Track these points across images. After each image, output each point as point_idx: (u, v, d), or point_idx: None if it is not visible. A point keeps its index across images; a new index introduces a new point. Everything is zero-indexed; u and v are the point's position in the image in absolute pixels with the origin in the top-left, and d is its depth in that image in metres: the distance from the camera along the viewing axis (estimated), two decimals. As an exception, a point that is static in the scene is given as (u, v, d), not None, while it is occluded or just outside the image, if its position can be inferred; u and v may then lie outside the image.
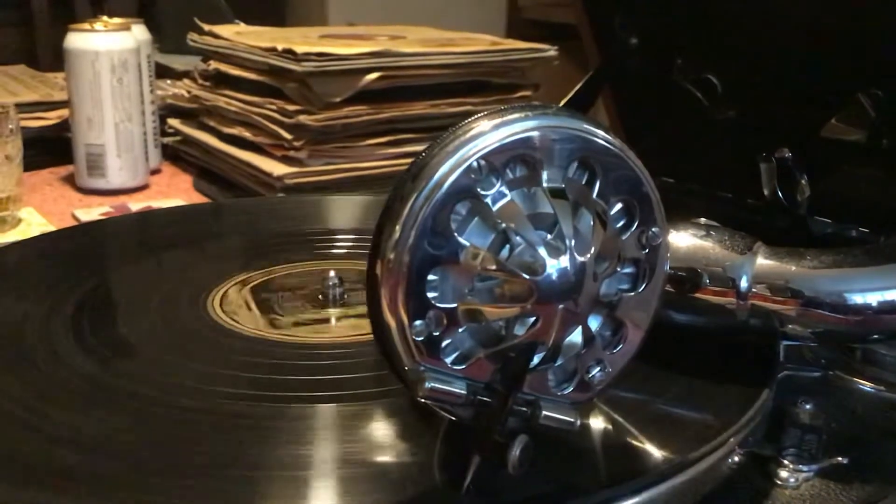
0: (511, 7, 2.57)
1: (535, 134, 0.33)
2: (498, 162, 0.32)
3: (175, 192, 0.94)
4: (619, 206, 0.35)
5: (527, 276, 0.32)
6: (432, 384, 0.32)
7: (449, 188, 0.32)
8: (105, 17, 0.94)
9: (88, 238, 0.66)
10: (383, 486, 0.35)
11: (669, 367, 0.43)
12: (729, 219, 0.46)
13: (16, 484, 0.34)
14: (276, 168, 0.83)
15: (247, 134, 0.89)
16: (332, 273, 0.53)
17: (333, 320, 0.51)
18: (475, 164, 0.32)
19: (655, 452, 0.37)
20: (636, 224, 0.35)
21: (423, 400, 0.33)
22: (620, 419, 0.39)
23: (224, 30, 0.99)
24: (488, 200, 0.33)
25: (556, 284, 0.33)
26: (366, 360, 0.45)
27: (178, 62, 1.24)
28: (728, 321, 0.42)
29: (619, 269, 0.35)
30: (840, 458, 0.40)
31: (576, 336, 0.35)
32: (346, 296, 0.53)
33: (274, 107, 0.85)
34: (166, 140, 1.03)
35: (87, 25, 0.89)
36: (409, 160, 0.91)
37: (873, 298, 0.41)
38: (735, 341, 0.45)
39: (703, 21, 0.63)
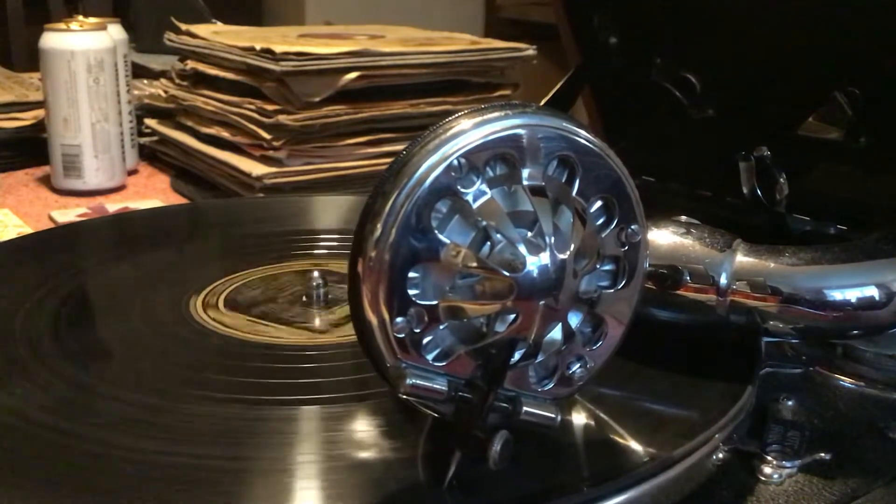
0: (489, 6, 2.57)
1: (515, 132, 0.33)
2: (478, 160, 0.33)
3: (152, 192, 0.93)
4: (598, 203, 0.35)
5: (507, 274, 0.32)
6: (414, 381, 0.32)
7: (430, 186, 0.32)
8: (81, 17, 0.93)
9: (66, 240, 0.66)
10: (367, 482, 0.35)
11: (653, 365, 0.43)
12: (708, 217, 0.46)
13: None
14: (254, 168, 0.83)
15: (225, 134, 0.89)
16: (315, 273, 0.53)
17: (317, 320, 0.50)
18: (456, 162, 0.32)
19: (640, 450, 0.37)
20: (616, 221, 0.35)
21: (404, 396, 0.33)
22: (605, 417, 0.39)
23: (201, 29, 0.99)
24: (469, 198, 0.33)
25: (536, 281, 0.33)
26: (349, 359, 0.45)
27: (154, 62, 1.23)
28: (710, 318, 0.43)
29: (598, 267, 0.35)
30: (822, 454, 0.40)
31: (556, 333, 0.35)
32: (329, 296, 0.53)
33: (252, 106, 0.85)
34: (143, 140, 1.03)
35: (62, 25, 0.88)
36: (388, 160, 0.91)
37: (852, 295, 0.41)
38: (717, 339, 0.45)
39: (682, 20, 0.63)
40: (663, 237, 0.44)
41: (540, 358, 0.35)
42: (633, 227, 0.36)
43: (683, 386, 0.42)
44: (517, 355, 0.34)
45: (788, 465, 0.40)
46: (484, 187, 0.33)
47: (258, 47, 0.83)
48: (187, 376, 0.44)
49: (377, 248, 0.32)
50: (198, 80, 0.96)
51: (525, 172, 0.33)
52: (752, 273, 0.42)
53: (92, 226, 0.73)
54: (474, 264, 0.32)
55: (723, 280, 0.42)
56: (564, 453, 0.37)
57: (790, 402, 0.44)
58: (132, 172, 0.99)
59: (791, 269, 0.42)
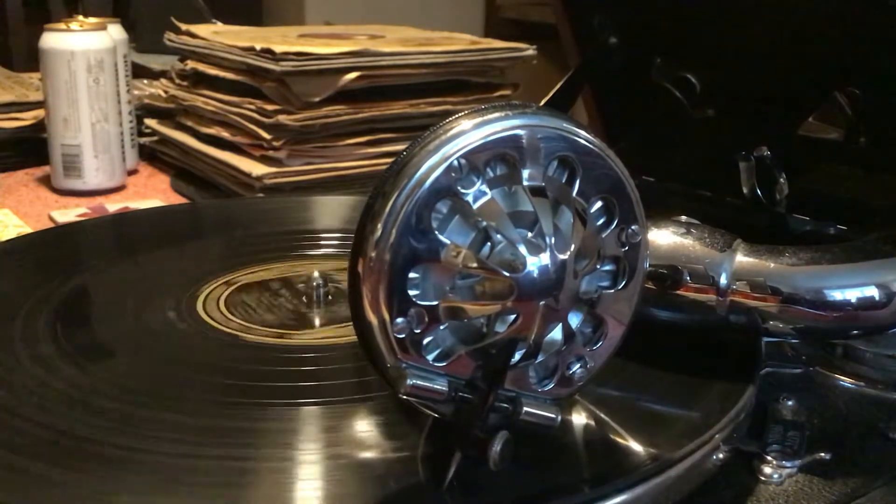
0: (489, 6, 2.57)
1: (515, 133, 0.33)
2: (478, 160, 0.33)
3: (152, 192, 0.93)
4: (598, 204, 0.35)
5: (507, 274, 0.32)
6: (414, 381, 0.32)
7: (430, 186, 0.32)
8: (81, 17, 0.93)
9: (66, 240, 0.66)
10: (367, 483, 0.35)
11: (654, 365, 0.43)
12: (709, 217, 0.46)
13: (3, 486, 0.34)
14: (254, 168, 0.83)
15: (225, 134, 0.89)
16: (315, 273, 0.53)
17: (317, 321, 0.50)
18: (456, 162, 0.32)
19: (640, 450, 0.37)
20: (616, 222, 0.35)
21: (404, 397, 0.33)
22: (605, 417, 0.39)
23: (201, 29, 0.99)
24: (469, 199, 0.33)
25: (536, 282, 0.33)
26: (350, 359, 0.45)
27: (154, 62, 1.24)
28: (710, 318, 0.43)
29: (599, 267, 0.35)
30: (822, 454, 0.40)
31: (556, 333, 0.35)
32: (329, 296, 0.53)
33: (252, 106, 0.85)
34: (143, 140, 1.03)
35: (62, 25, 0.88)
36: (388, 160, 0.91)
37: (852, 295, 0.41)
38: (718, 339, 0.45)
39: (682, 21, 0.63)
40: (663, 237, 0.44)
41: (540, 358, 0.35)
42: (633, 227, 0.36)
43: (683, 386, 0.42)
44: (517, 355, 0.34)
45: (788, 465, 0.40)
46: (484, 188, 0.33)
47: (258, 47, 0.83)
48: (187, 376, 0.44)
49: (377, 249, 0.32)
50: (198, 80, 0.96)
51: (525, 173, 0.33)
52: (751, 273, 0.42)
53: (92, 226, 0.73)
54: (474, 265, 0.32)
55: (723, 280, 0.42)
56: (565, 453, 0.37)
57: (790, 402, 0.44)
58: (132, 172, 0.99)
59: (791, 270, 0.42)
